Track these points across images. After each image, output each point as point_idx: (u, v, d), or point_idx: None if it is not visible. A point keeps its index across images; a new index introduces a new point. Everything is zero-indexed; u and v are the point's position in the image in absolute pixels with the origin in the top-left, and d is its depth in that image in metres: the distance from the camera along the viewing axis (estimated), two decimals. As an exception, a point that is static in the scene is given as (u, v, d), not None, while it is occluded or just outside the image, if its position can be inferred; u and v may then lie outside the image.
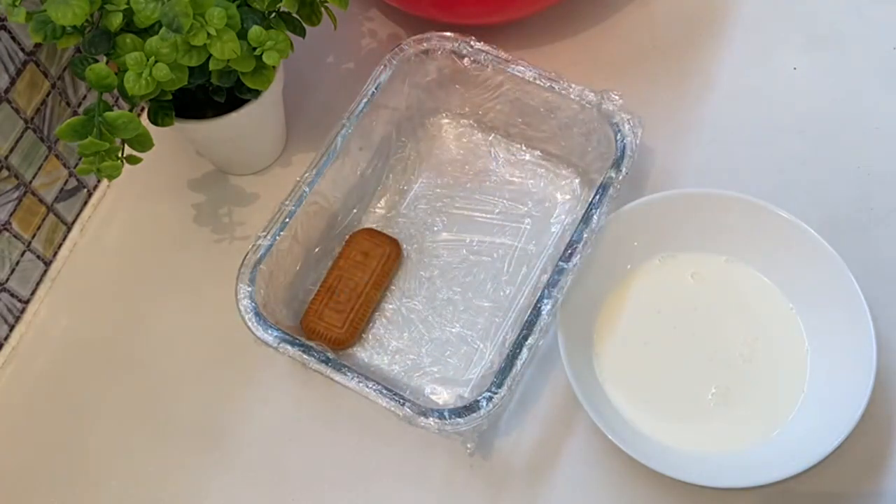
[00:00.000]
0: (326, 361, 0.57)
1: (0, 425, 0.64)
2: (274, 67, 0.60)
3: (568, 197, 0.69)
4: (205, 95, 0.63)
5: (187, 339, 0.66)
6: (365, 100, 0.65)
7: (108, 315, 0.68)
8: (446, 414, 0.54)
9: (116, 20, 0.55)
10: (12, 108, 0.60)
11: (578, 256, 0.58)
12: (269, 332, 0.58)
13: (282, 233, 0.61)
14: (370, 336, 0.65)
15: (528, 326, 0.56)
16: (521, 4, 0.72)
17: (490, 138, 0.71)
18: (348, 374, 0.56)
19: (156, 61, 0.55)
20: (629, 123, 0.63)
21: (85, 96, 0.67)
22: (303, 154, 0.73)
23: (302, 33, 0.63)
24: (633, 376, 0.62)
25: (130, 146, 0.57)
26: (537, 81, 0.65)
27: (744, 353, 0.61)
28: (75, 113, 0.66)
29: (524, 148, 0.70)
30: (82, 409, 0.65)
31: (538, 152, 0.70)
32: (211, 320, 0.66)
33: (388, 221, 0.68)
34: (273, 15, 0.61)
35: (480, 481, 0.60)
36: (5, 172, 0.61)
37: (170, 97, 0.60)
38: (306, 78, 0.75)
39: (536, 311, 0.57)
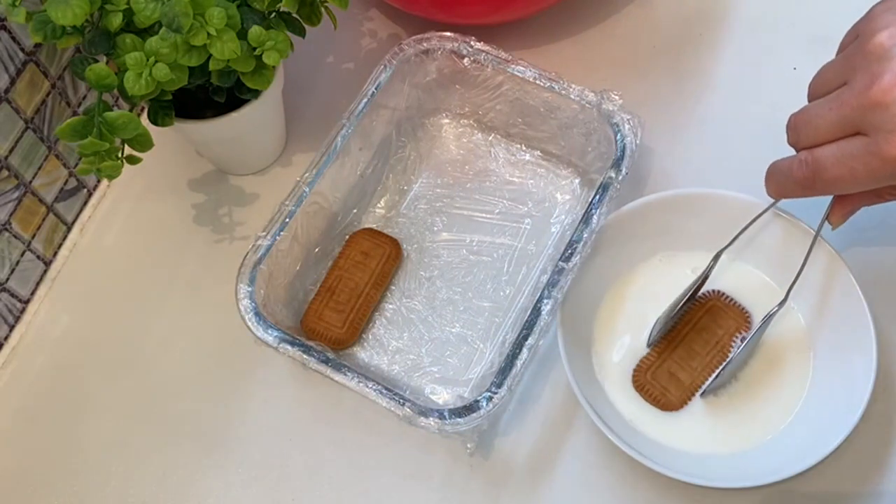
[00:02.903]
0: (326, 361, 0.57)
1: (0, 425, 0.65)
2: (274, 67, 0.60)
3: (568, 197, 0.68)
4: (205, 95, 0.63)
5: (187, 339, 0.66)
6: (365, 100, 0.65)
7: (108, 315, 0.68)
8: (446, 414, 0.54)
9: (116, 20, 0.55)
10: (12, 108, 0.60)
11: (578, 256, 0.58)
12: (269, 332, 0.58)
13: (282, 233, 0.61)
14: (370, 336, 0.65)
15: (528, 326, 0.56)
16: (521, 4, 0.72)
17: (490, 138, 0.71)
18: (348, 374, 0.56)
19: (156, 61, 0.55)
20: (629, 123, 0.63)
21: (85, 96, 0.67)
22: (303, 154, 0.73)
23: (302, 33, 0.63)
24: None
25: (130, 146, 0.57)
26: (537, 81, 0.65)
27: (744, 352, 0.61)
28: (75, 113, 0.66)
29: (524, 148, 0.70)
30: (82, 409, 0.65)
31: (538, 152, 0.70)
32: (211, 320, 0.66)
33: (388, 221, 0.68)
34: (273, 15, 0.61)
35: (480, 481, 0.60)
36: (5, 172, 0.61)
37: (170, 97, 0.60)
38: (306, 78, 0.75)
39: (536, 311, 0.57)
